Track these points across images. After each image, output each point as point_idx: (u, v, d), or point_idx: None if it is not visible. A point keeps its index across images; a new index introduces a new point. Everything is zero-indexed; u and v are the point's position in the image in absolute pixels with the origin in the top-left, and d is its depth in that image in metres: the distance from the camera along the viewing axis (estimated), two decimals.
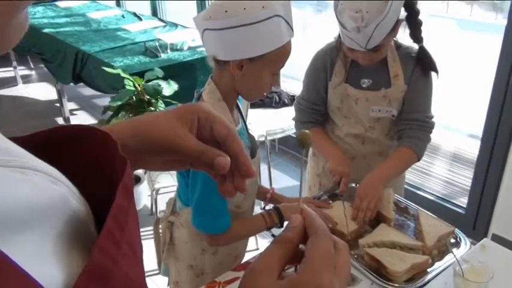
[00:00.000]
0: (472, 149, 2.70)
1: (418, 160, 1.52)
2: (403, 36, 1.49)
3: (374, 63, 1.49)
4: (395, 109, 1.53)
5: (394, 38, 1.50)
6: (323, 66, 1.57)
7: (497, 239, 2.33)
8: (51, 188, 0.35)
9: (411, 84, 1.51)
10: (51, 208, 0.34)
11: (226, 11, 1.08)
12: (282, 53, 1.17)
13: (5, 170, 0.32)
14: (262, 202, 1.50)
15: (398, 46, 1.54)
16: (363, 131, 1.59)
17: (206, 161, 0.52)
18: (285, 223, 1.36)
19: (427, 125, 1.54)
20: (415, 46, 1.51)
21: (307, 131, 0.55)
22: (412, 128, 1.52)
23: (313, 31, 4.76)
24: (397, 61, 1.51)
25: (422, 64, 1.50)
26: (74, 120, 4.24)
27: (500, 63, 2.15)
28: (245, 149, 0.55)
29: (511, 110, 2.16)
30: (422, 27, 1.46)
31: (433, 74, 1.52)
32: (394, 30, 1.39)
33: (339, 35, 1.49)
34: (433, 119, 1.56)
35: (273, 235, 2.62)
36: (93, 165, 0.40)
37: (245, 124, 1.39)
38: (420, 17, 1.44)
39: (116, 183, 0.36)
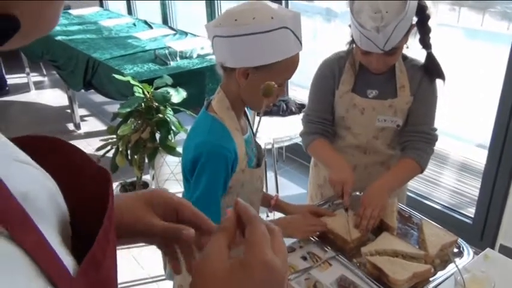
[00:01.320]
0: (480, 159, 2.69)
1: (421, 172, 1.53)
2: (412, 43, 1.49)
3: (383, 72, 1.50)
4: (400, 119, 1.54)
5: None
6: (331, 74, 1.58)
7: (504, 249, 2.32)
8: (47, 183, 0.39)
9: (418, 96, 1.52)
10: (50, 201, 0.37)
11: (236, 20, 1.11)
12: (289, 65, 1.18)
13: (16, 162, 0.36)
14: (266, 210, 1.52)
15: (405, 58, 1.54)
16: (365, 141, 1.59)
17: (172, 236, 0.59)
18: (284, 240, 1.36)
19: (431, 138, 1.55)
20: (421, 59, 1.52)
21: (271, 82, 0.60)
22: (417, 140, 1.53)
23: (322, 40, 4.78)
24: (404, 72, 1.52)
25: (429, 71, 1.51)
26: (84, 127, 4.30)
27: (508, 73, 2.15)
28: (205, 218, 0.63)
29: None
30: (431, 35, 1.47)
31: (438, 83, 1.53)
32: (408, 33, 1.39)
33: (351, 41, 1.50)
34: (437, 132, 1.57)
35: None
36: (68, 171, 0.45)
37: (253, 132, 1.40)
38: (430, 23, 1.45)
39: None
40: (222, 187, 1.23)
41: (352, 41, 1.49)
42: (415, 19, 1.42)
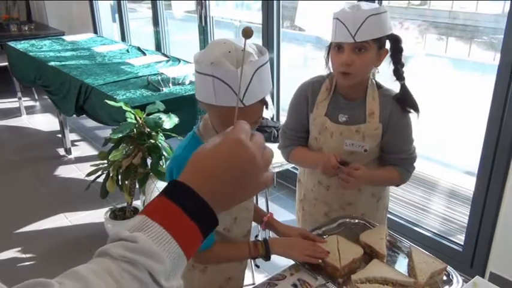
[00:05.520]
0: (469, 186, 2.72)
1: (399, 185, 1.70)
2: (387, 73, 1.58)
3: (355, 98, 1.58)
4: (367, 144, 1.59)
5: (376, 78, 1.62)
6: (305, 99, 1.66)
7: (494, 277, 2.32)
8: None
9: (390, 126, 1.58)
10: None
11: (202, 53, 1.16)
12: (227, 112, 1.09)
13: None
14: (258, 226, 1.52)
15: (380, 87, 1.61)
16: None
17: None
18: (273, 256, 1.37)
19: (411, 159, 1.65)
20: (396, 89, 1.60)
21: (248, 26, 0.65)
22: (398, 164, 1.64)
23: (312, 67, 4.87)
24: (376, 100, 1.58)
25: (401, 102, 1.57)
26: (75, 152, 4.28)
27: (494, 102, 2.20)
28: None
29: (505, 147, 2.19)
30: (405, 68, 1.56)
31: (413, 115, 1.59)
32: (380, 49, 1.50)
33: (327, 55, 1.58)
34: (415, 151, 1.66)
35: (256, 265, 2.61)
36: None
37: None
38: (402, 58, 1.55)
39: None
40: None
41: (329, 49, 1.57)
42: (388, 45, 1.53)
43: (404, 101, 1.57)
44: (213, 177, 0.57)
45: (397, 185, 1.74)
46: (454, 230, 2.78)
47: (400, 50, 1.53)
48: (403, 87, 1.57)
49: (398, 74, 1.55)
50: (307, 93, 1.66)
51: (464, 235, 2.53)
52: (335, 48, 1.53)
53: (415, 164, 1.66)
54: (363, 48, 1.47)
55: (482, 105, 2.31)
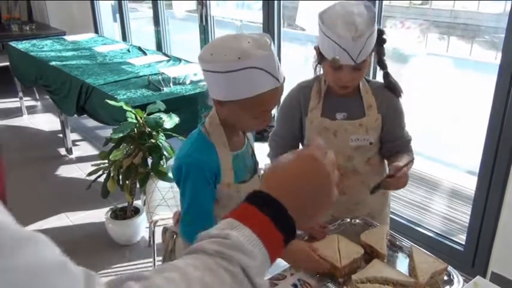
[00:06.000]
0: (471, 185, 2.72)
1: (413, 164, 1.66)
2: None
3: (349, 94, 1.59)
4: (371, 136, 1.61)
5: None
6: (297, 104, 1.66)
7: (496, 276, 2.31)
8: None
9: (390, 115, 1.63)
10: None
11: (211, 54, 1.17)
12: (258, 101, 1.20)
13: None
14: None
15: (368, 81, 1.66)
16: (341, 162, 1.63)
17: None
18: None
19: (408, 141, 1.68)
20: (382, 80, 1.65)
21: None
22: (402, 149, 1.65)
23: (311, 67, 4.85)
24: (370, 92, 1.62)
25: (392, 89, 1.62)
26: (76, 151, 4.29)
27: (495, 101, 2.19)
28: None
29: (506, 147, 2.18)
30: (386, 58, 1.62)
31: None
32: (373, 50, 1.51)
33: (317, 63, 1.58)
34: (409, 133, 1.69)
35: None
36: None
37: (252, 149, 1.48)
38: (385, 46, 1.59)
39: None
40: (209, 195, 1.30)
41: (320, 60, 1.55)
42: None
43: (394, 87, 1.62)
44: (294, 192, 0.61)
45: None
46: (456, 229, 2.77)
47: (384, 42, 1.57)
48: (388, 75, 1.62)
49: (382, 63, 1.61)
50: (299, 97, 1.65)
51: (465, 235, 2.52)
52: (330, 64, 1.49)
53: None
54: (362, 64, 1.48)
55: (484, 104, 2.31)
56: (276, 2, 3.33)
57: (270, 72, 1.17)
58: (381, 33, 1.55)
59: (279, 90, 1.23)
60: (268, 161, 1.78)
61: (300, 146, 1.74)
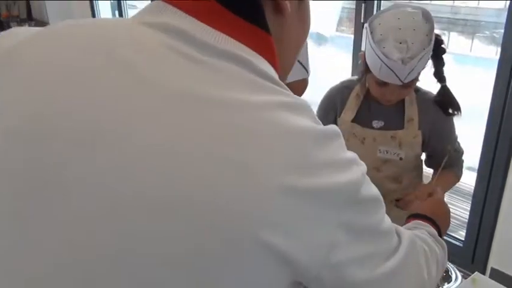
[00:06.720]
0: (470, 182, 2.71)
1: (458, 181, 1.61)
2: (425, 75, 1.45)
3: (394, 103, 1.44)
4: (403, 152, 1.48)
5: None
6: (333, 105, 1.56)
7: (496, 272, 2.31)
8: None
9: (436, 135, 1.48)
10: None
11: None
12: (292, 89, 1.19)
13: None
14: None
15: (417, 90, 1.48)
16: (369, 172, 1.54)
17: None
18: None
19: (461, 154, 1.58)
20: (433, 91, 1.49)
21: None
22: (449, 165, 1.46)
23: (313, 62, 4.85)
24: (415, 105, 1.46)
25: (443, 105, 1.45)
26: None
27: (494, 96, 2.18)
28: None
29: (506, 143, 2.17)
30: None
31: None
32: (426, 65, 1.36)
33: (364, 70, 1.42)
34: (460, 145, 1.57)
35: None
36: None
37: None
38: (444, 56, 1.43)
39: None
40: None
41: (366, 70, 1.40)
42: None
43: (447, 104, 1.44)
44: (439, 216, 0.95)
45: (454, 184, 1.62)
46: (455, 225, 2.77)
47: (443, 52, 1.40)
48: (445, 89, 1.44)
49: (440, 76, 1.43)
50: (336, 100, 1.54)
51: (465, 231, 2.51)
52: (376, 79, 1.36)
53: (463, 157, 1.59)
54: (411, 82, 1.34)
55: (484, 100, 2.30)
56: None
57: (302, 63, 1.15)
58: (439, 42, 1.36)
59: (306, 82, 1.21)
60: None
61: None
